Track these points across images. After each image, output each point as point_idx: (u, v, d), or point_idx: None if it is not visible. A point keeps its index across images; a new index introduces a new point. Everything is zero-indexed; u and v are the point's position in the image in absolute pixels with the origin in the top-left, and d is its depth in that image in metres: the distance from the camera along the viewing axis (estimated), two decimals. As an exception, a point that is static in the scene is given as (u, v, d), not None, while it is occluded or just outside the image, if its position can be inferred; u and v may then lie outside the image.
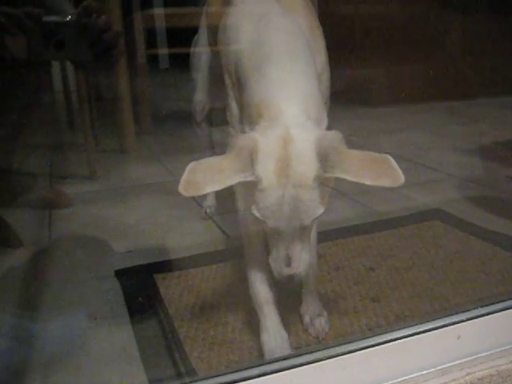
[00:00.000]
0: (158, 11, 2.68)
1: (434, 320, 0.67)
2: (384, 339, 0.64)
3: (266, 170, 0.69)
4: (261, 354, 0.87)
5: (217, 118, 1.45)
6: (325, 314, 0.96)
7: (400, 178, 0.65)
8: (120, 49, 0.90)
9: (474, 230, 1.32)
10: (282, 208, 0.69)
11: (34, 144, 2.12)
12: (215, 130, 1.52)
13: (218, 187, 0.68)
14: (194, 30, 1.77)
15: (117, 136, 2.24)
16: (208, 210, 1.51)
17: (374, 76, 3.21)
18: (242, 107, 0.88)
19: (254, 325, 0.93)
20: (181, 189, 0.66)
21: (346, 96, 3.39)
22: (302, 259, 0.75)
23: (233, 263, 1.20)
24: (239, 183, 0.70)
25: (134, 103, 2.28)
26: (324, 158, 0.68)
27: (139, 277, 1.18)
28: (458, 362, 0.67)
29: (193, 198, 1.52)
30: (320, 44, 0.94)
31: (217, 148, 1.53)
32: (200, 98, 1.43)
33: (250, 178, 0.69)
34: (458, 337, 0.67)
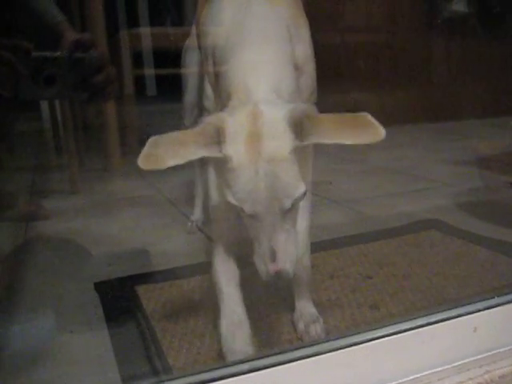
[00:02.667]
0: (144, 31, 2.66)
1: (447, 310, 0.60)
2: (392, 330, 0.57)
3: (236, 148, 0.64)
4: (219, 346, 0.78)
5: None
6: (320, 320, 0.89)
7: (380, 132, 0.61)
8: (115, 85, 0.84)
9: (473, 238, 1.27)
10: (257, 188, 0.64)
11: (17, 166, 2.07)
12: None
13: (181, 161, 0.63)
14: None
15: (101, 156, 2.19)
16: (195, 224, 1.44)
17: (363, 99, 3.21)
18: (216, 92, 0.83)
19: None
20: (140, 162, 0.61)
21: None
22: (288, 252, 0.68)
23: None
24: (212, 168, 0.68)
25: (120, 126, 2.24)
26: (298, 127, 0.63)
27: (119, 289, 1.10)
28: (476, 357, 0.60)
29: (179, 209, 1.47)
30: (303, 34, 0.90)
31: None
32: (190, 98, 1.39)
33: (216, 155, 0.65)
34: (475, 329, 0.60)
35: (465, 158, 2.02)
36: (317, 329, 0.87)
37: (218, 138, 0.64)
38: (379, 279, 1.08)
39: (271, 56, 0.76)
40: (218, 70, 0.81)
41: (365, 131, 0.62)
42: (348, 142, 0.62)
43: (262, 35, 0.79)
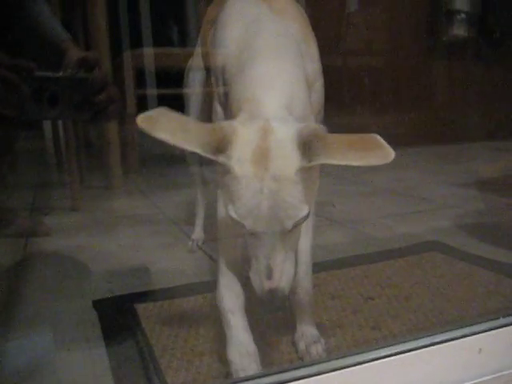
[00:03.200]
0: (147, 51, 2.67)
1: (451, 330, 0.58)
2: (395, 350, 0.55)
3: (241, 160, 0.63)
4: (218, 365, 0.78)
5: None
6: (322, 341, 0.87)
7: (389, 153, 0.60)
8: (117, 104, 0.84)
9: (475, 260, 1.26)
10: (260, 205, 0.62)
11: (18, 183, 2.07)
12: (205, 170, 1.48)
13: (171, 141, 0.61)
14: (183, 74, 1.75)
15: (103, 174, 2.19)
16: (195, 243, 1.43)
17: (365, 122, 3.22)
18: (226, 109, 0.83)
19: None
20: (138, 118, 0.61)
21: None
22: (285, 271, 0.67)
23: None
24: (223, 182, 0.65)
25: (122, 146, 2.25)
26: (306, 147, 0.62)
27: (118, 307, 1.09)
28: (480, 380, 0.59)
29: (181, 227, 1.46)
30: (312, 51, 0.91)
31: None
32: (192, 118, 1.39)
33: (211, 157, 0.64)
34: (479, 350, 0.59)
35: (466, 181, 2.01)
36: (318, 349, 0.85)
37: (224, 144, 0.63)
38: (381, 300, 1.07)
39: (284, 71, 0.75)
40: (228, 88, 0.80)
41: (374, 152, 0.61)
42: (356, 163, 0.60)
43: (274, 50, 0.78)
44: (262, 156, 0.63)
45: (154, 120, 0.62)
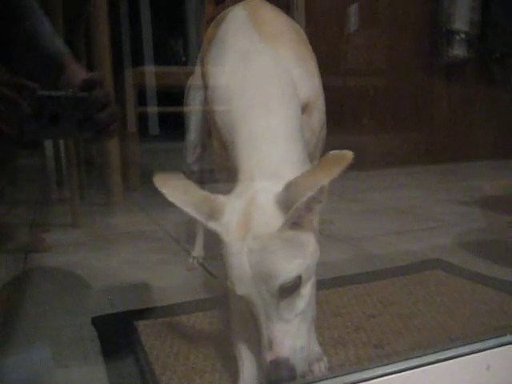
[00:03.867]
0: (149, 70, 2.69)
1: (458, 347, 0.57)
2: (400, 367, 0.54)
3: (228, 224, 0.67)
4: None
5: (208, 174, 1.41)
6: (324, 359, 0.86)
7: (348, 154, 0.62)
8: (118, 122, 0.84)
9: (479, 278, 1.25)
10: (242, 265, 0.63)
11: (19, 200, 2.06)
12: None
13: (175, 203, 0.69)
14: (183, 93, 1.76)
15: (104, 191, 2.19)
16: (196, 260, 1.42)
17: (363, 143, 3.23)
18: (215, 134, 0.89)
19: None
20: (155, 175, 0.70)
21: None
22: (289, 342, 0.65)
23: (220, 311, 1.10)
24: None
25: (123, 164, 2.25)
26: (286, 202, 0.64)
27: (118, 324, 1.07)
28: (489, 397, 0.58)
29: (181, 244, 1.45)
30: (311, 69, 0.92)
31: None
32: (193, 137, 1.40)
33: (205, 223, 0.69)
34: (488, 367, 0.58)
35: (468, 199, 2.01)
36: (321, 367, 0.84)
37: (216, 212, 0.68)
38: (383, 318, 1.05)
39: (275, 129, 0.76)
40: (223, 135, 0.84)
41: (335, 161, 0.62)
42: (328, 178, 0.62)
43: (264, 101, 0.78)
44: (245, 220, 0.65)
45: (166, 181, 0.70)
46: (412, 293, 1.19)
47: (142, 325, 1.06)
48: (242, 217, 0.66)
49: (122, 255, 1.48)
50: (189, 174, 1.42)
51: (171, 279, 1.30)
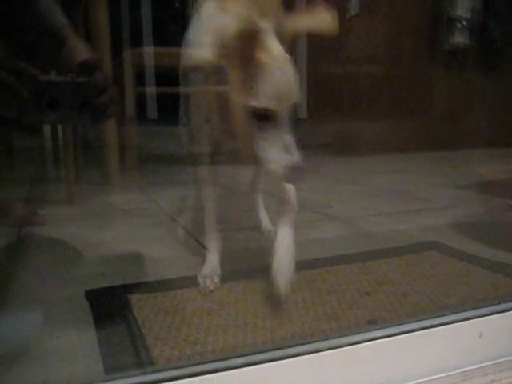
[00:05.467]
0: (148, 50, 2.67)
1: (451, 314, 0.57)
2: (393, 331, 0.54)
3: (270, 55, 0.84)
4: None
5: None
6: None
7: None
8: (116, 105, 0.84)
9: (474, 260, 1.25)
10: (281, 85, 0.83)
11: (15, 178, 2.05)
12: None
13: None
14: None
15: (100, 171, 2.18)
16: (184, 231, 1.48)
17: (362, 129, 3.22)
18: None
19: (235, 345, 0.83)
20: None
21: (334, 148, 3.39)
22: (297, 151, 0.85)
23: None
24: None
25: (120, 145, 2.24)
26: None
27: (111, 297, 1.07)
28: (480, 365, 0.57)
29: (176, 221, 1.45)
30: None
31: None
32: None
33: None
34: (480, 334, 0.57)
35: (464, 183, 2.01)
36: None
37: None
38: (377, 296, 1.05)
39: None
40: None
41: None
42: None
43: None
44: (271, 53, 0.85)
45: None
46: (407, 273, 1.19)
47: (135, 298, 1.06)
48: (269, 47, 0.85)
49: (116, 230, 1.47)
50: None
51: (166, 254, 1.30)
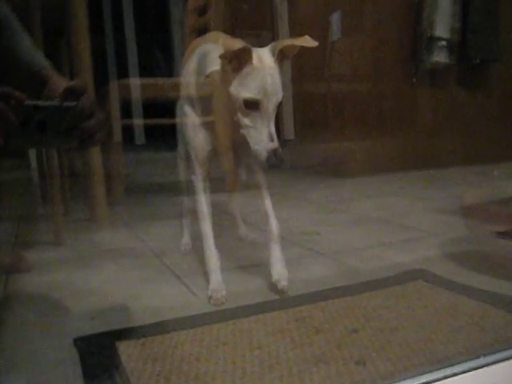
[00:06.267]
0: (134, 81, 2.68)
1: (431, 372, 0.57)
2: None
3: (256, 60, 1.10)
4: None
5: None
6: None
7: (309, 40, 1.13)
8: (104, 129, 0.84)
9: (461, 289, 1.26)
10: (267, 83, 1.07)
11: (2, 216, 2.04)
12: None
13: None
14: (170, 104, 1.76)
15: (87, 206, 2.17)
16: (184, 248, 1.67)
17: (348, 149, 3.24)
18: None
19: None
20: None
21: (322, 168, 3.41)
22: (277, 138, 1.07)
23: (202, 330, 1.10)
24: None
25: (107, 176, 2.24)
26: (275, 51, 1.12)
27: (100, 345, 1.07)
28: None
29: (163, 261, 1.45)
30: None
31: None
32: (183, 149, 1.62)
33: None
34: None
35: (451, 207, 2.02)
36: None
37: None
38: (365, 333, 1.05)
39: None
40: None
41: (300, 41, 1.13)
42: (299, 43, 1.13)
43: None
44: (261, 59, 1.10)
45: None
46: (394, 306, 1.19)
47: (123, 346, 1.05)
48: (257, 57, 1.10)
49: (104, 273, 1.47)
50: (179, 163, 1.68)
51: (152, 297, 1.30)
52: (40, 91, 0.94)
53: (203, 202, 1.34)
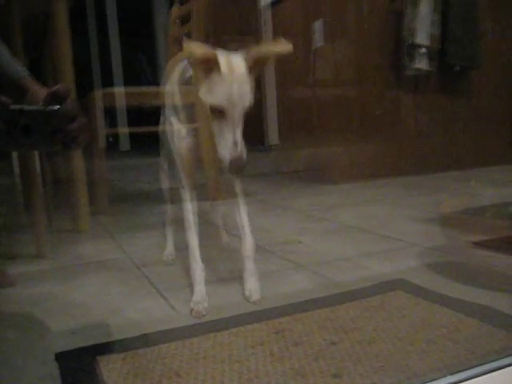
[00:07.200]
0: (119, 90, 2.69)
1: None
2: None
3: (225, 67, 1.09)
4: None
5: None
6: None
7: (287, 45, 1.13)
8: (87, 132, 0.86)
9: (438, 299, 1.28)
10: (233, 91, 1.07)
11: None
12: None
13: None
14: (154, 111, 1.78)
15: (71, 217, 2.17)
16: (168, 258, 1.68)
17: (332, 155, 3.27)
18: None
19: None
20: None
21: (306, 174, 3.43)
22: (243, 148, 1.07)
23: (183, 343, 1.11)
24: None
25: (91, 184, 2.24)
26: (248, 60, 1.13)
27: (81, 360, 1.07)
28: None
29: (145, 274, 1.46)
30: None
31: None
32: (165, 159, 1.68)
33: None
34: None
35: (431, 215, 2.05)
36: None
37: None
38: (343, 345, 1.07)
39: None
40: None
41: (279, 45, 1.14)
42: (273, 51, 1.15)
43: None
44: (231, 67, 1.10)
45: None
46: (373, 317, 1.21)
47: (104, 360, 1.06)
48: (228, 66, 1.09)
49: (86, 287, 1.47)
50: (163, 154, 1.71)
51: (134, 311, 1.30)
52: (20, 101, 0.95)
53: (190, 211, 1.35)
